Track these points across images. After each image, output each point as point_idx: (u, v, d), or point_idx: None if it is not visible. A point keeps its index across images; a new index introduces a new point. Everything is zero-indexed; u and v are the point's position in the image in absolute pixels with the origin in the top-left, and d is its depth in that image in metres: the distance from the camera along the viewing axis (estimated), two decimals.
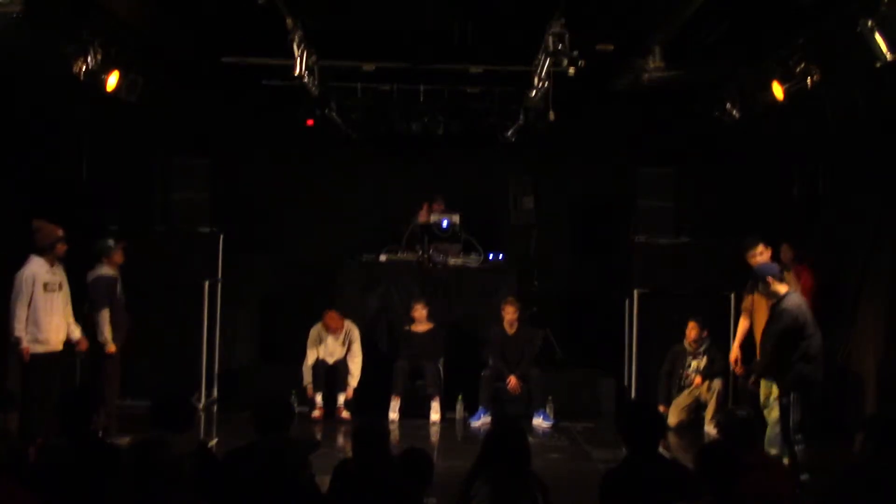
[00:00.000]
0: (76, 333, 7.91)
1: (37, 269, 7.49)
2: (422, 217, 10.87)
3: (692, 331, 9.51)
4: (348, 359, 9.78)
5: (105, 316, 8.28)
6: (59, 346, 7.68)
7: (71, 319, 7.85)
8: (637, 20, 8.00)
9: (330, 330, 9.79)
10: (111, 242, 8.51)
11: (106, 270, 8.43)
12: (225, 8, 7.91)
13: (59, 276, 7.68)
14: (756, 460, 4.86)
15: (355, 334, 9.88)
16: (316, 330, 9.88)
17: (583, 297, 11.38)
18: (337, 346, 9.85)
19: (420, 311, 9.94)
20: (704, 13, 7.17)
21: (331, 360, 9.77)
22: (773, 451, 7.24)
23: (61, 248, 7.66)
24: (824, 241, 9.34)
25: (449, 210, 10.89)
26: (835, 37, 7.30)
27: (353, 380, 9.73)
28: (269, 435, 5.03)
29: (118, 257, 8.50)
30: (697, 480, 4.31)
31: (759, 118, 9.27)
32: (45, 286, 7.51)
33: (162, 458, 4.05)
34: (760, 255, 7.80)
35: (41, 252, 7.55)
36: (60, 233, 7.63)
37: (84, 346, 8.00)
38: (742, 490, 4.22)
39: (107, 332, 8.27)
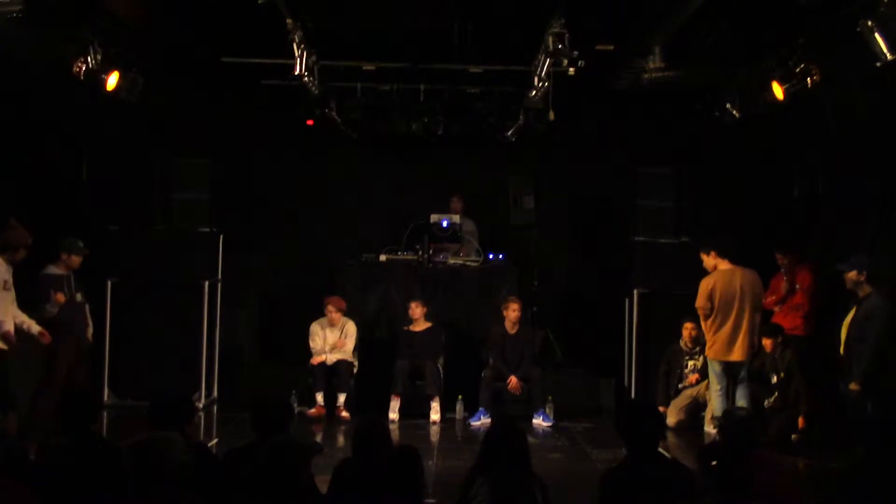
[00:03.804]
0: (35, 327, 7.75)
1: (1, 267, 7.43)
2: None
3: (688, 330, 9.52)
4: (346, 354, 9.81)
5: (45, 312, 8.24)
6: (6, 346, 7.52)
7: (24, 316, 7.70)
8: (637, 20, 8.00)
9: (333, 316, 9.82)
10: (77, 242, 8.48)
11: (52, 269, 8.40)
12: (225, 8, 7.91)
13: (9, 274, 7.54)
14: (756, 460, 4.86)
15: (352, 330, 9.93)
16: (316, 326, 9.93)
17: (583, 297, 11.39)
18: (335, 340, 9.87)
19: (416, 311, 9.93)
20: (704, 13, 7.17)
21: (330, 360, 9.78)
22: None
23: (23, 253, 7.56)
24: (824, 241, 9.34)
25: (465, 210, 11.05)
26: (835, 37, 7.30)
27: (353, 369, 9.82)
28: (269, 435, 5.03)
29: (70, 260, 8.44)
30: (699, 480, 4.31)
31: (759, 118, 9.27)
32: (4, 284, 7.44)
33: (162, 458, 4.05)
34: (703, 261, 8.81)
35: (3, 250, 7.43)
36: (30, 240, 7.57)
37: (47, 338, 7.82)
38: (741, 490, 4.22)
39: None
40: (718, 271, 8.76)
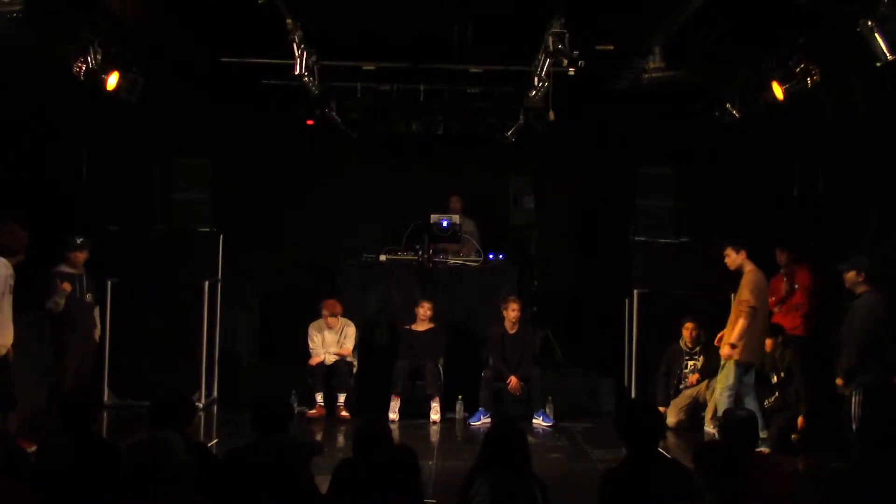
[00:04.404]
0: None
1: (5, 270, 7.36)
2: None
3: (688, 331, 9.52)
4: (344, 352, 9.82)
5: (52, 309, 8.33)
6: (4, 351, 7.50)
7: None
8: (637, 20, 8.00)
9: (330, 320, 9.84)
10: (78, 241, 8.57)
11: (61, 267, 8.50)
12: (225, 8, 7.91)
13: (13, 280, 7.49)
14: (756, 460, 4.86)
15: (350, 331, 9.94)
16: (315, 326, 9.94)
17: (583, 297, 11.39)
18: (333, 342, 9.88)
19: (425, 311, 9.96)
20: (704, 13, 7.17)
21: (330, 360, 9.79)
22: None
23: (23, 256, 7.58)
24: (824, 241, 9.35)
25: (464, 210, 11.06)
26: (835, 37, 7.30)
27: (353, 369, 9.84)
28: (269, 435, 5.03)
29: (74, 257, 8.55)
30: (697, 480, 4.31)
31: (759, 118, 9.27)
32: (10, 288, 7.42)
33: (162, 458, 4.05)
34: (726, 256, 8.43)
35: (6, 253, 7.43)
36: (27, 242, 7.59)
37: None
38: (741, 490, 4.22)
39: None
40: (755, 271, 8.41)
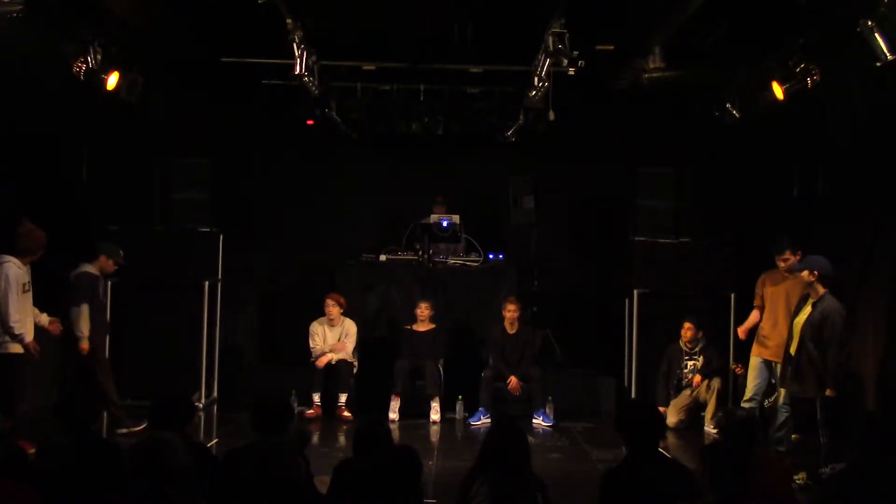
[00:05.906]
0: (43, 319, 7.82)
1: (17, 269, 7.46)
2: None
3: (687, 331, 9.52)
4: (344, 351, 9.80)
5: (84, 311, 8.38)
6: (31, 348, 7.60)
7: (36, 310, 7.76)
8: (637, 20, 8.00)
9: (332, 311, 9.83)
10: (118, 250, 8.73)
11: (90, 269, 8.55)
12: (225, 8, 7.91)
13: (29, 277, 7.60)
14: (756, 460, 4.86)
15: (353, 330, 9.93)
16: (316, 325, 9.93)
17: (583, 297, 11.39)
18: (334, 340, 9.89)
19: (424, 311, 9.96)
20: (704, 13, 7.17)
21: (332, 360, 9.79)
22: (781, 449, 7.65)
23: (41, 253, 7.69)
24: (824, 241, 9.33)
25: (449, 210, 10.97)
26: (835, 37, 7.30)
27: (353, 369, 9.84)
28: (268, 435, 5.03)
29: (108, 265, 8.65)
30: (699, 480, 4.31)
31: (759, 118, 9.27)
32: (24, 287, 7.48)
33: (162, 458, 4.05)
34: (785, 260, 8.23)
35: (22, 253, 7.52)
36: (45, 240, 7.69)
37: (57, 328, 7.98)
38: (742, 490, 4.23)
39: (84, 328, 8.39)
40: None
